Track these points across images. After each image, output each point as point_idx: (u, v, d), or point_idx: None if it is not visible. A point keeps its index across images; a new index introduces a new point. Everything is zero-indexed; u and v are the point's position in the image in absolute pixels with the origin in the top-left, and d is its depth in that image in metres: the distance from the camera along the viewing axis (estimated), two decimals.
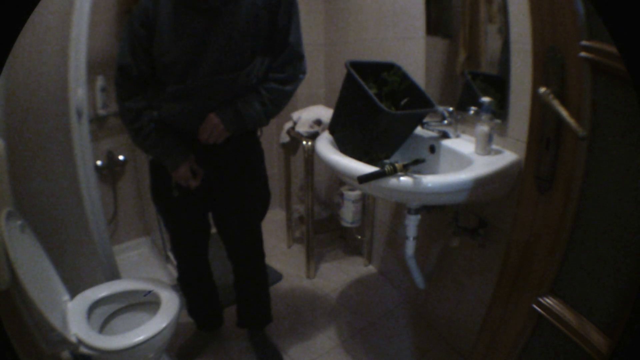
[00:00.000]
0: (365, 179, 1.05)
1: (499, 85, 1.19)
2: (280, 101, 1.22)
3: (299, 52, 1.21)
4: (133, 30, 1.11)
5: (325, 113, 1.96)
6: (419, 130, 1.40)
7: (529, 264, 0.85)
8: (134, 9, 1.13)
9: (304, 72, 1.24)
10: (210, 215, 1.41)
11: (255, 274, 1.49)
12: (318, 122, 1.92)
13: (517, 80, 1.12)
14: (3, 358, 0.73)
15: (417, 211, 1.23)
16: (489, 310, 0.98)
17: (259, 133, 1.34)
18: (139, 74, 1.14)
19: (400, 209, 1.85)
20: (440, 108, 1.33)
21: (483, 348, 1.01)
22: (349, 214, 2.00)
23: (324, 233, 2.40)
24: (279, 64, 1.19)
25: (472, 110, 1.24)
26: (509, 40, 1.12)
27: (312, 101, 2.27)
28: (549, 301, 0.82)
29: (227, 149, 1.23)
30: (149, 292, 1.35)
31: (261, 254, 1.48)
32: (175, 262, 1.70)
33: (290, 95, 1.24)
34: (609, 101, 0.69)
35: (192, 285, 1.51)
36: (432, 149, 1.37)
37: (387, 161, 1.08)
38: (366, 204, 2.03)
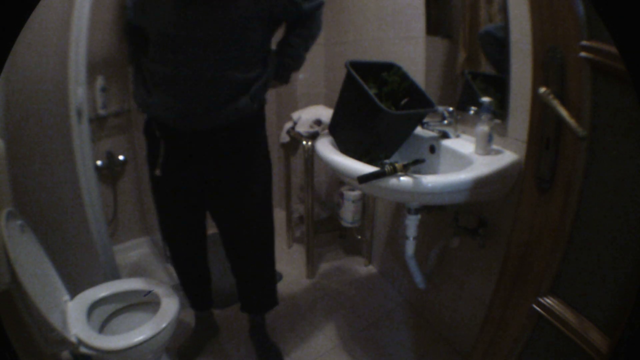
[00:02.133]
0: (365, 179, 1.05)
1: (499, 85, 1.19)
2: (315, 36, 1.30)
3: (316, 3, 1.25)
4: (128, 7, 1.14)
5: (325, 113, 1.96)
6: (419, 130, 1.40)
7: (529, 264, 0.85)
8: None
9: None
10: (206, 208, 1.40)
11: (264, 255, 1.46)
12: (318, 122, 1.92)
13: (517, 80, 1.12)
14: (3, 358, 0.73)
15: (417, 211, 1.23)
16: (489, 310, 0.98)
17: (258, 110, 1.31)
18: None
19: (400, 209, 1.85)
20: (440, 108, 1.33)
21: (483, 348, 1.01)
22: (349, 214, 2.00)
23: (324, 233, 2.39)
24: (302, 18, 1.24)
25: (472, 110, 1.25)
26: (509, 40, 1.12)
27: (312, 101, 2.27)
28: (549, 301, 0.82)
29: (223, 135, 1.21)
30: (149, 292, 1.35)
31: (270, 233, 1.45)
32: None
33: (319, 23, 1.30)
34: (609, 101, 0.69)
35: (185, 267, 1.50)
36: (432, 149, 1.37)
37: (387, 161, 1.08)
38: (366, 204, 2.03)
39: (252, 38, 1.13)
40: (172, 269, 1.97)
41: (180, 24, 1.07)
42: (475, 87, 1.30)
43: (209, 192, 1.32)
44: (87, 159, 1.42)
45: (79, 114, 1.37)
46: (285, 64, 1.28)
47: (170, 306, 1.27)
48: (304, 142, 1.87)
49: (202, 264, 1.52)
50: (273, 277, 1.53)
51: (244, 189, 1.32)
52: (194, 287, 1.55)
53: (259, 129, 1.34)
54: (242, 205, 1.34)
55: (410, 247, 1.29)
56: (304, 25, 1.26)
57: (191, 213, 1.38)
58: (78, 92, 1.36)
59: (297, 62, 1.31)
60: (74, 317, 1.21)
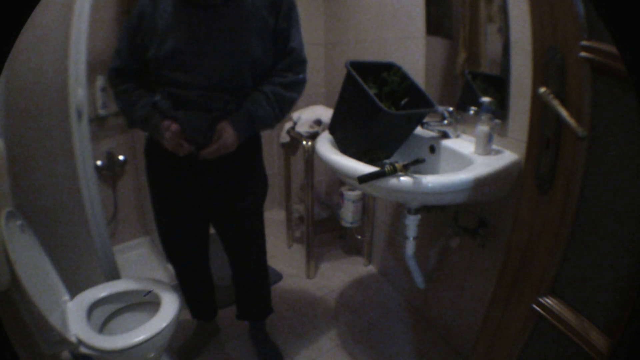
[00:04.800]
0: (365, 179, 1.05)
1: (499, 85, 1.19)
2: (284, 107, 1.20)
3: (301, 57, 1.20)
4: (130, 27, 1.13)
5: (325, 113, 1.96)
6: (419, 130, 1.39)
7: (529, 264, 0.85)
8: (133, 8, 1.14)
9: (305, 79, 1.23)
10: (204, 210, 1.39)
11: (256, 267, 1.48)
12: (318, 122, 1.92)
13: (517, 80, 1.12)
14: (3, 358, 0.73)
15: (417, 211, 1.23)
16: (489, 310, 0.98)
17: None
18: (132, 71, 1.17)
19: (400, 209, 1.85)
20: (440, 108, 1.33)
21: (483, 348, 1.01)
22: (349, 214, 2.00)
23: (324, 233, 2.40)
24: (281, 68, 1.19)
25: (472, 110, 1.25)
26: (509, 40, 1.12)
27: (312, 101, 2.27)
28: (549, 301, 0.82)
29: None
30: (149, 292, 1.35)
31: (262, 247, 1.47)
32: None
33: (294, 102, 1.23)
34: (609, 101, 0.69)
35: (187, 278, 1.50)
36: (432, 149, 1.37)
37: (387, 161, 1.08)
38: (366, 204, 2.03)
39: (256, 50, 1.14)
40: (172, 269, 1.97)
41: (192, 38, 1.08)
42: (475, 87, 1.30)
43: (211, 203, 1.32)
44: (87, 159, 1.42)
45: (79, 114, 1.37)
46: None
47: (170, 306, 1.27)
48: (304, 142, 1.87)
49: (206, 275, 1.53)
50: (266, 286, 1.55)
51: (242, 199, 1.32)
52: (199, 299, 1.56)
53: (258, 146, 1.35)
54: (240, 213, 1.35)
55: (410, 247, 1.29)
56: (286, 74, 1.19)
57: (195, 225, 1.38)
58: (78, 92, 1.35)
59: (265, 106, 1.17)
60: (74, 317, 1.21)
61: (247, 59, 1.13)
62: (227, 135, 1.11)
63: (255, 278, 1.50)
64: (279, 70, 1.19)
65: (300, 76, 1.21)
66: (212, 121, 1.13)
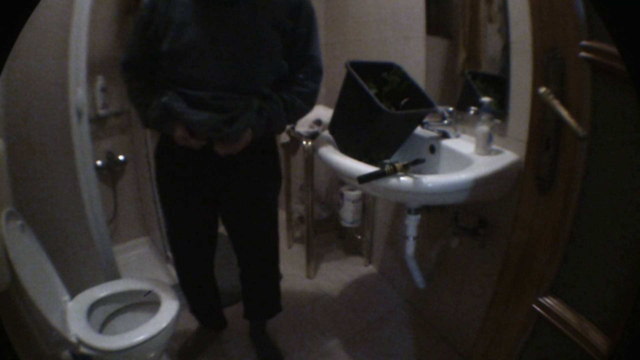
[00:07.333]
0: (365, 179, 1.05)
1: (499, 85, 1.19)
2: (298, 118, 1.24)
3: (320, 66, 1.21)
4: (141, 20, 1.09)
5: (325, 113, 1.96)
6: (419, 130, 1.39)
7: (529, 264, 0.85)
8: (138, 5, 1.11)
9: (319, 89, 1.24)
10: (215, 212, 1.37)
11: (270, 264, 1.47)
12: (318, 122, 1.92)
13: (517, 80, 1.12)
14: (3, 358, 0.73)
15: (417, 211, 1.23)
16: (489, 310, 0.98)
17: None
18: (142, 66, 1.14)
19: (400, 209, 1.85)
20: (440, 108, 1.33)
21: (483, 348, 1.01)
22: (349, 214, 2.00)
23: (324, 233, 2.39)
24: (302, 77, 1.18)
25: (472, 110, 1.25)
26: (509, 40, 1.12)
27: None
28: (549, 301, 0.82)
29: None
30: (149, 292, 1.35)
31: (276, 242, 1.45)
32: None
33: (305, 114, 1.25)
34: (609, 101, 0.69)
35: (194, 283, 1.49)
36: (432, 149, 1.37)
37: (387, 161, 1.08)
38: (366, 204, 2.03)
39: (273, 52, 1.12)
40: (172, 269, 1.97)
41: (209, 34, 1.06)
42: (475, 87, 1.30)
43: (224, 201, 1.30)
44: (87, 159, 1.42)
45: (79, 114, 1.37)
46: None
47: (170, 306, 1.27)
48: (304, 142, 1.87)
49: (211, 281, 1.51)
50: (277, 284, 1.54)
51: (257, 197, 1.31)
52: (206, 306, 1.54)
53: (273, 141, 1.32)
54: (254, 212, 1.33)
55: (410, 247, 1.29)
56: (302, 83, 1.19)
57: (206, 227, 1.36)
58: (78, 92, 1.36)
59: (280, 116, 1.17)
60: (74, 317, 1.21)
61: (263, 59, 1.10)
62: (245, 139, 1.12)
63: (268, 274, 1.48)
64: (300, 79, 1.18)
65: (317, 88, 1.23)
66: (225, 123, 1.09)
